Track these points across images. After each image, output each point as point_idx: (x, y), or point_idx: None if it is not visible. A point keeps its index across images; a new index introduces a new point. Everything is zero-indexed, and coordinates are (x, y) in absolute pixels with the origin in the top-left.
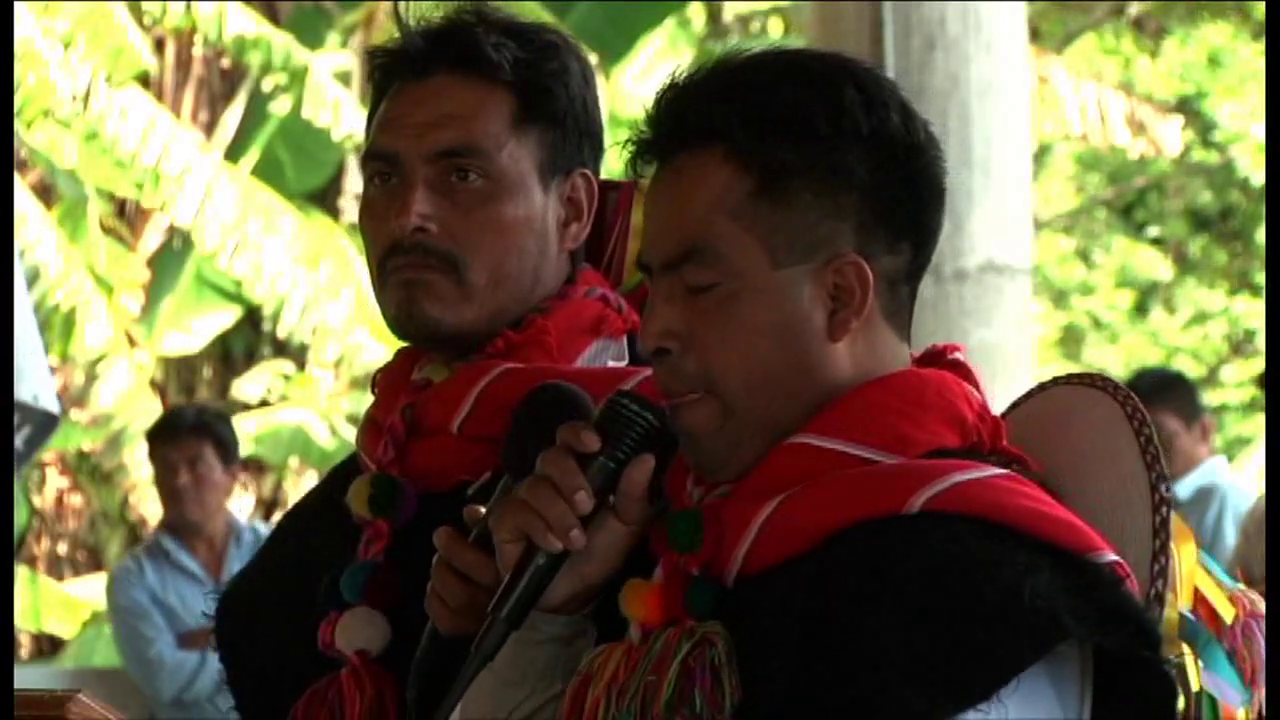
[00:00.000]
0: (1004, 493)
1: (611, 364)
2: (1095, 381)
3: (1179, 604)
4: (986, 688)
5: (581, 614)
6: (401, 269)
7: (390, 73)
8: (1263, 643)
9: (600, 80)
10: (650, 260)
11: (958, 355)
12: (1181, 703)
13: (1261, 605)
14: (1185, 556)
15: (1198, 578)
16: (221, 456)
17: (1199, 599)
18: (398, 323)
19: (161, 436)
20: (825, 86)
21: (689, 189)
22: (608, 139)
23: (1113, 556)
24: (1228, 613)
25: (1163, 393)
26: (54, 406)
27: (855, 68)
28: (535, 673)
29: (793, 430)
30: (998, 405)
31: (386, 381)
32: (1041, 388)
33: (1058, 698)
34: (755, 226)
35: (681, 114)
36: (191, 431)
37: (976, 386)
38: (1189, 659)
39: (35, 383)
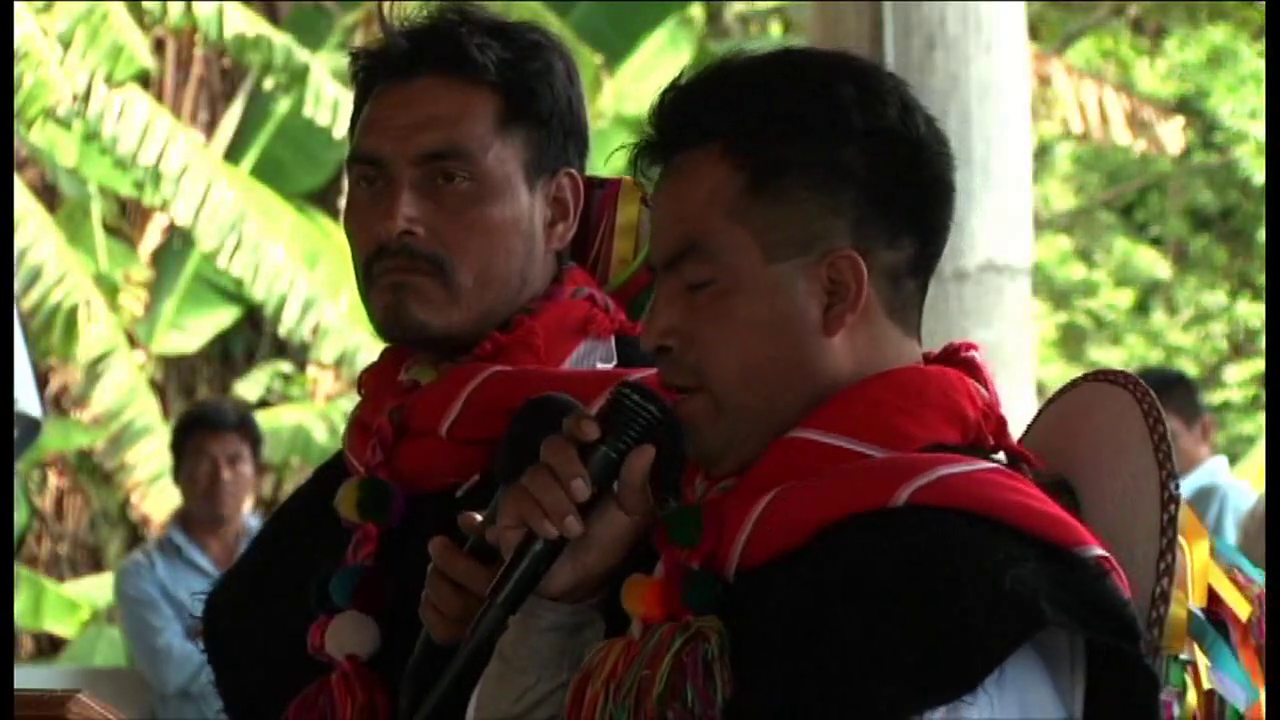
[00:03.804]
0: (990, 486)
1: (600, 365)
2: (1118, 378)
3: (1190, 602)
4: (968, 678)
5: (587, 604)
6: (388, 272)
7: (373, 74)
8: None
9: (602, 80)
10: (654, 260)
11: (971, 354)
12: (1193, 699)
13: None
14: (1197, 554)
15: (1211, 575)
16: (254, 455)
17: (1214, 597)
18: (384, 326)
19: (200, 430)
20: (820, 84)
21: (686, 188)
22: (612, 140)
23: (1100, 551)
24: (1244, 610)
25: (1163, 393)
26: (35, 410)
27: (855, 65)
28: (540, 660)
29: (793, 424)
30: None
31: (373, 383)
32: (1073, 384)
33: (1054, 688)
34: (749, 223)
35: (679, 115)
36: (234, 429)
37: (986, 385)
38: (1199, 657)
39: (16, 386)
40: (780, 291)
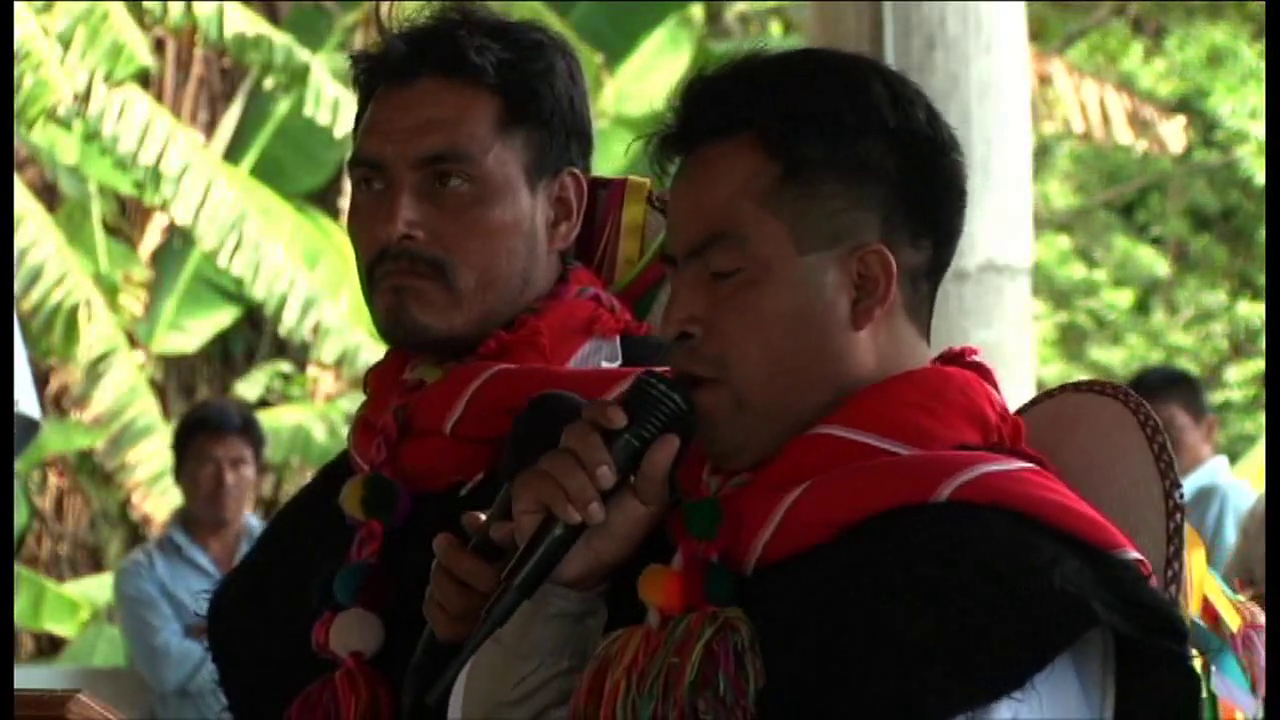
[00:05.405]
0: (1032, 485)
1: (605, 365)
2: (1106, 389)
3: (1189, 610)
4: (1021, 675)
5: (595, 592)
6: (390, 276)
7: (374, 77)
8: (1262, 652)
9: (603, 80)
10: (674, 249)
11: (977, 358)
12: None
13: (1261, 617)
14: (1195, 563)
15: (1207, 585)
16: (257, 457)
17: (1206, 607)
18: (387, 329)
19: (203, 433)
20: (854, 82)
21: (716, 176)
22: (613, 140)
23: (1136, 554)
24: (1234, 621)
25: (1171, 387)
26: (34, 411)
27: (882, 67)
28: (544, 647)
29: (812, 420)
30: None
31: (378, 382)
32: (1049, 394)
33: (1083, 691)
34: (781, 212)
35: (711, 104)
36: (237, 432)
37: (996, 388)
38: (1199, 664)
39: (14, 386)
40: (809, 283)
